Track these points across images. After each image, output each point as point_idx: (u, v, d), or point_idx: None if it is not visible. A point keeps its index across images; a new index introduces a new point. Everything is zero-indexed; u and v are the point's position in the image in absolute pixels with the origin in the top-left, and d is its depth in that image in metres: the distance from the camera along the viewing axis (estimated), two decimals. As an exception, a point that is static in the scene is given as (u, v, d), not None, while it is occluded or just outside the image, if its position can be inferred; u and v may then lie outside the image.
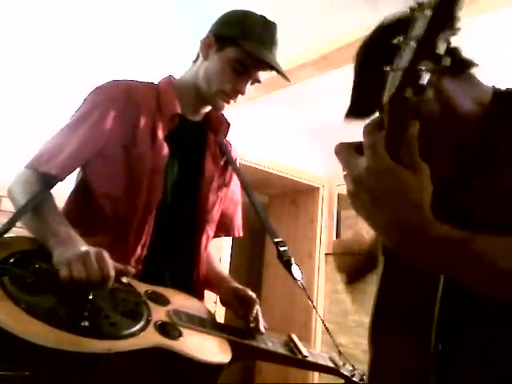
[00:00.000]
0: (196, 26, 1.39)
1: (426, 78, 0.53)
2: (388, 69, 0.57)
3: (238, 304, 1.28)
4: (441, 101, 0.87)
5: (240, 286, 1.32)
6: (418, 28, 0.53)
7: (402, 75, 0.54)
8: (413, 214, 0.59)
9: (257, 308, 1.26)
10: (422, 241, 0.60)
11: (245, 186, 1.43)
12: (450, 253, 0.60)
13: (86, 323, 0.89)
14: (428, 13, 0.51)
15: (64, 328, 0.85)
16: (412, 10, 0.55)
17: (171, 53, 2.57)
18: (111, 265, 0.97)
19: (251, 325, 1.23)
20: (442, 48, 0.51)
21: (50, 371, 0.83)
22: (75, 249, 0.98)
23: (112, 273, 0.96)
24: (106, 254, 0.98)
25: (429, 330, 0.73)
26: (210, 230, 1.39)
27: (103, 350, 0.85)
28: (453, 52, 0.88)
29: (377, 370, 0.85)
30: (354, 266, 1.23)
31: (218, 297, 1.36)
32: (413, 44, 0.53)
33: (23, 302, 0.86)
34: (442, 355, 0.73)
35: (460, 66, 0.89)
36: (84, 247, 0.99)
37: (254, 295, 1.28)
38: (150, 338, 0.95)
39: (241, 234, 1.55)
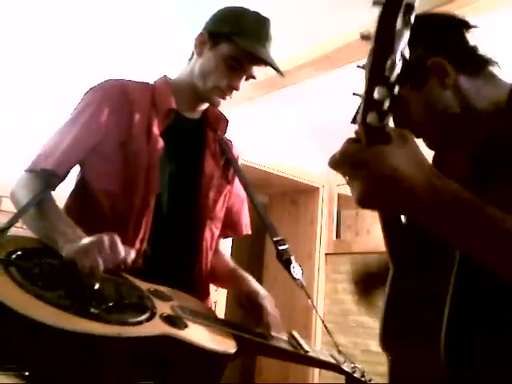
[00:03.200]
0: (195, 24, 1.38)
1: (385, 104, 0.54)
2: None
3: (251, 309, 1.24)
4: (458, 100, 0.89)
5: (254, 290, 1.28)
6: (368, 56, 0.54)
7: (362, 103, 0.56)
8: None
9: (267, 314, 1.21)
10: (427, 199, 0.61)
11: (245, 184, 1.43)
12: (464, 210, 0.61)
13: (95, 310, 0.89)
14: (372, 42, 0.52)
15: (73, 312, 0.86)
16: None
17: (170, 52, 2.57)
18: (123, 247, 1.00)
19: (262, 329, 1.20)
20: (392, 73, 0.52)
21: (59, 354, 0.83)
22: (87, 240, 1.00)
23: (126, 255, 0.99)
24: (117, 238, 1.00)
25: (439, 338, 0.73)
26: (215, 227, 1.38)
27: (113, 333, 0.86)
28: (472, 50, 0.90)
29: (397, 379, 0.85)
30: (365, 278, 1.23)
31: (234, 299, 1.33)
32: (366, 73, 0.54)
33: (31, 290, 0.87)
34: (455, 362, 0.73)
35: (478, 64, 0.90)
36: (95, 237, 1.01)
37: (264, 300, 1.24)
38: (156, 326, 0.95)
39: (249, 232, 1.52)
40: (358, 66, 0.56)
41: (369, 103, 0.55)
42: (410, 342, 0.81)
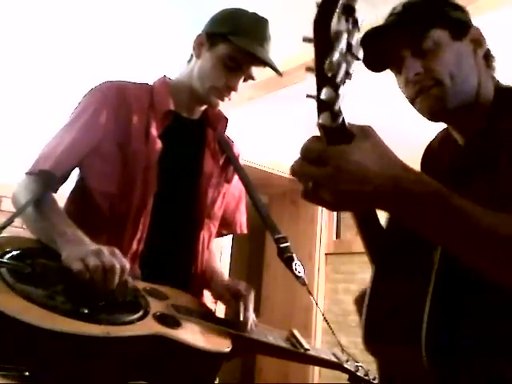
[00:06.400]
0: (195, 25, 1.39)
1: (335, 104, 0.54)
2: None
3: (230, 298, 1.24)
4: (476, 78, 0.90)
5: (233, 280, 1.30)
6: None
7: (316, 104, 0.56)
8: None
9: (247, 302, 1.20)
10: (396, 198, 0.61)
11: (246, 183, 1.42)
12: (435, 204, 0.62)
13: (85, 310, 0.89)
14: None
15: (62, 313, 0.85)
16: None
17: (170, 52, 2.57)
18: (124, 259, 0.99)
19: (241, 315, 1.18)
20: (336, 73, 0.52)
21: (47, 355, 0.82)
22: (87, 246, 1.00)
23: (127, 264, 0.98)
24: (117, 251, 1.00)
25: (420, 337, 0.73)
26: (213, 226, 1.39)
27: (102, 333, 0.85)
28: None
29: (385, 379, 0.86)
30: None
31: (212, 292, 1.34)
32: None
33: (20, 290, 0.86)
34: (436, 360, 0.73)
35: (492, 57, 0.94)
36: (94, 245, 1.00)
37: (245, 288, 1.23)
38: (149, 326, 0.95)
39: (244, 231, 1.53)
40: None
41: (318, 104, 0.55)
42: (392, 343, 0.82)
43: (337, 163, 0.58)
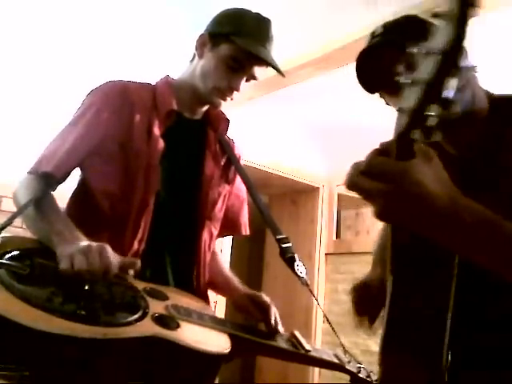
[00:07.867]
0: (196, 24, 1.39)
1: (434, 121, 0.54)
2: (403, 79, 0.58)
3: (255, 309, 1.30)
4: (469, 90, 0.90)
5: (254, 292, 1.36)
6: (426, 70, 0.54)
7: (410, 118, 0.55)
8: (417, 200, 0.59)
9: (274, 311, 1.30)
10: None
11: (247, 184, 1.42)
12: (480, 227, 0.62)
13: (83, 312, 0.88)
14: (437, 57, 0.53)
15: (59, 315, 0.85)
16: (434, 16, 0.56)
17: (172, 52, 2.57)
18: (113, 257, 0.98)
19: (271, 327, 1.27)
20: (449, 92, 0.53)
21: (44, 357, 0.82)
22: (77, 244, 0.99)
23: (113, 264, 0.97)
24: (108, 248, 0.99)
25: (440, 353, 0.73)
26: (214, 227, 1.39)
27: (99, 335, 0.85)
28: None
29: None
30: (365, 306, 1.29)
31: (233, 303, 1.39)
32: (421, 86, 0.54)
33: (18, 291, 0.86)
34: (454, 378, 0.73)
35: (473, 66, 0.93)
36: (84, 243, 1.00)
37: (268, 299, 1.32)
38: (147, 327, 0.94)
39: (247, 232, 1.53)
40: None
41: (416, 119, 0.55)
42: (410, 360, 0.81)
43: (400, 181, 0.58)
